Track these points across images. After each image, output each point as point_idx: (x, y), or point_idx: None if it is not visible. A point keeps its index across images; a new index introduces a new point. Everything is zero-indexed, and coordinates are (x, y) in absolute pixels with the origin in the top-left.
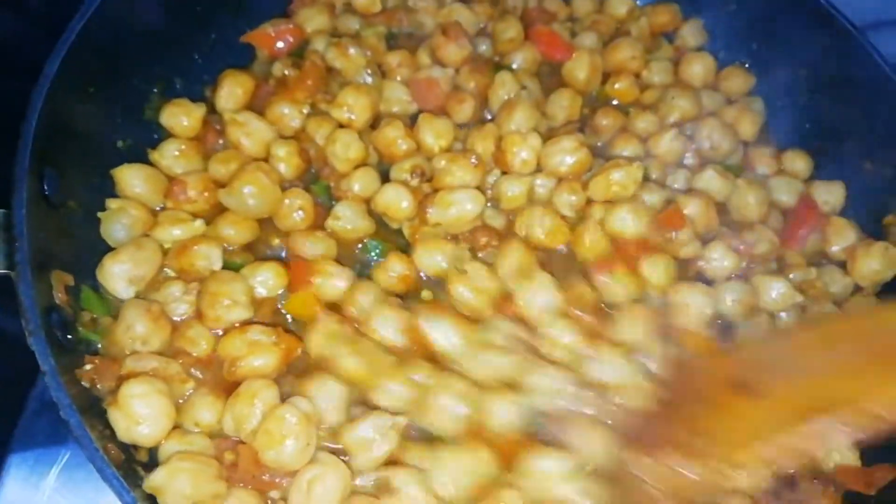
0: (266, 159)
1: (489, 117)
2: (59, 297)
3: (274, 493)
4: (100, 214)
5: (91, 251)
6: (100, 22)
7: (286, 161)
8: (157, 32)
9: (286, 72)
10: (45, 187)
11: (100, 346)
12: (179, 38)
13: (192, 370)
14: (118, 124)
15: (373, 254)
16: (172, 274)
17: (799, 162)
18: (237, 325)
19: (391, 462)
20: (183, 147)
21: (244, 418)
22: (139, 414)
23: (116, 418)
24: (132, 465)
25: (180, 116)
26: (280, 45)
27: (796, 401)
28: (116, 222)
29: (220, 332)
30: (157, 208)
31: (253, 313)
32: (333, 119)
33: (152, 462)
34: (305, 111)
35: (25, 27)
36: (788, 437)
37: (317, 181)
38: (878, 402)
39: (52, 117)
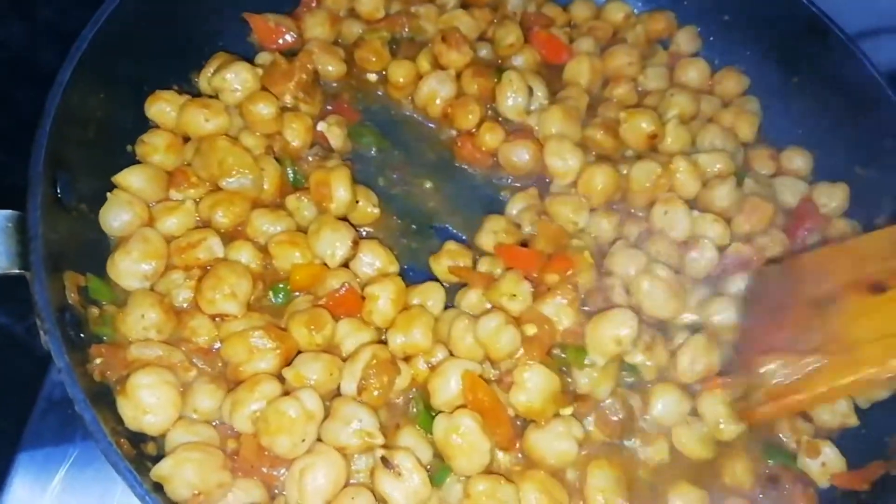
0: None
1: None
2: (72, 296)
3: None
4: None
5: (100, 251)
6: (111, 30)
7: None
8: (166, 40)
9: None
10: (58, 190)
11: (106, 338)
12: (187, 45)
13: (194, 359)
14: (128, 129)
15: None
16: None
17: (798, 159)
18: (225, 318)
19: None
20: (169, 140)
21: (244, 407)
22: (146, 403)
23: (124, 407)
24: (143, 459)
25: (166, 108)
26: (279, 41)
27: None
28: (115, 212)
29: (213, 320)
30: (152, 204)
31: (242, 315)
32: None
33: (161, 456)
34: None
35: (35, 36)
36: None
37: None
38: None
39: (64, 123)
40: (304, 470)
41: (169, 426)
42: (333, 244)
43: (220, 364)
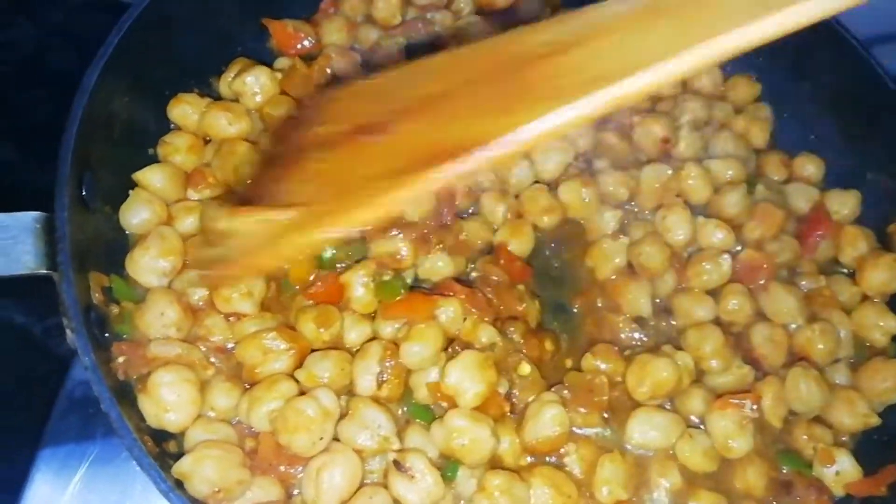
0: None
1: None
2: (97, 296)
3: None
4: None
5: (124, 252)
6: (134, 35)
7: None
8: (187, 45)
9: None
10: (84, 192)
11: (126, 336)
12: (208, 50)
13: (212, 358)
14: (151, 131)
15: None
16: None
17: (810, 166)
18: (241, 317)
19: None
20: (191, 142)
21: (262, 405)
22: (167, 401)
23: (145, 404)
24: (165, 457)
25: (188, 111)
26: (298, 46)
27: (419, 143)
28: (135, 209)
29: (227, 319)
30: (171, 203)
31: (256, 314)
32: None
33: (181, 454)
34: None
35: (47, 38)
36: (410, 181)
37: None
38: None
39: (90, 125)
40: (321, 468)
41: (189, 423)
42: None
43: (235, 363)
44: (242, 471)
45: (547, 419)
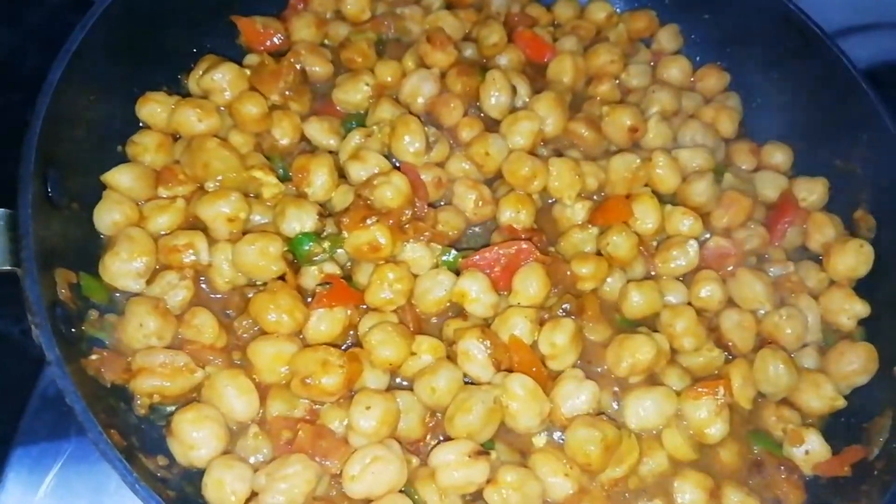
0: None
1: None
2: (63, 293)
3: None
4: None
5: (92, 249)
6: (100, 32)
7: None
8: (155, 42)
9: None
10: (49, 189)
11: (107, 343)
12: (176, 48)
13: (209, 357)
14: (118, 129)
15: None
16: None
17: (778, 154)
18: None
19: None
20: (159, 140)
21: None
22: (193, 439)
23: (173, 445)
24: (133, 451)
25: (157, 109)
26: (267, 43)
27: None
28: (106, 211)
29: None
30: (142, 202)
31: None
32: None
33: (153, 448)
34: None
35: (24, 42)
36: None
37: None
38: None
39: (55, 123)
40: (377, 460)
41: (216, 457)
42: (300, 218)
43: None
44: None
45: None
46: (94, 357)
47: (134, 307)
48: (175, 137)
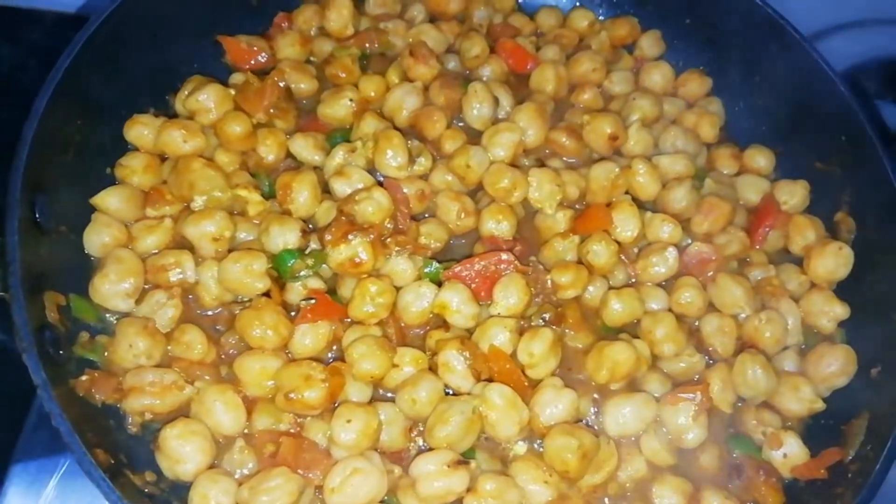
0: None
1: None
2: (52, 315)
3: None
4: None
5: (82, 270)
6: (86, 58)
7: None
8: (141, 64)
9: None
10: (37, 214)
11: (99, 364)
12: (163, 69)
13: (198, 372)
14: (106, 151)
15: None
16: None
17: (760, 158)
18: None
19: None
20: (147, 161)
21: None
22: (180, 453)
23: (160, 460)
24: (121, 468)
25: (144, 132)
26: (252, 62)
27: None
28: (96, 234)
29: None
30: (130, 223)
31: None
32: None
33: (142, 465)
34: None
35: (23, 59)
36: None
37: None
38: None
39: (42, 148)
40: (357, 472)
41: (202, 471)
42: (284, 235)
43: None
44: None
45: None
46: (84, 378)
47: (124, 328)
48: (163, 158)
